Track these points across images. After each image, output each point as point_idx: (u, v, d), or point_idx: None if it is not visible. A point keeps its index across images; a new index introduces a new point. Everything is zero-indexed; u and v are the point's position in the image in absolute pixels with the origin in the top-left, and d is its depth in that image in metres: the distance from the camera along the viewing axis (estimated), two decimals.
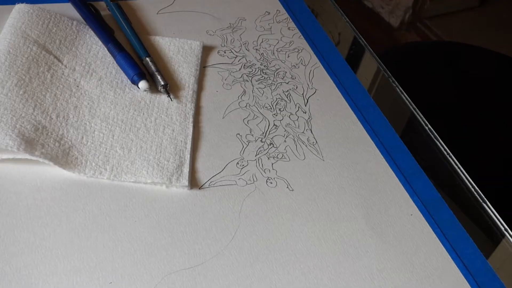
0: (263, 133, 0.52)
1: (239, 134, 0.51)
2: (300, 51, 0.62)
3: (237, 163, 0.49)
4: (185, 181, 0.46)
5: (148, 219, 0.43)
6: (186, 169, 0.47)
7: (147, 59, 0.54)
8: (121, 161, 0.46)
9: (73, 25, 0.56)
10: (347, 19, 0.68)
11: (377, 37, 0.69)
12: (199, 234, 0.43)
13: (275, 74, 0.58)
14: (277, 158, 0.50)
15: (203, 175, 0.47)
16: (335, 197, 0.48)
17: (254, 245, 0.43)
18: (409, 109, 0.58)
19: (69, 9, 0.59)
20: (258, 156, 0.50)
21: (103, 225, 0.42)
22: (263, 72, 0.58)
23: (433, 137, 0.56)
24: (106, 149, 0.47)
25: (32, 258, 0.40)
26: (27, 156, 0.44)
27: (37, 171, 0.45)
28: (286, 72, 0.59)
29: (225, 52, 0.60)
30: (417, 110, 0.58)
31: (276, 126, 0.53)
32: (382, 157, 0.52)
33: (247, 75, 0.58)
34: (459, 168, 0.53)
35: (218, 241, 0.43)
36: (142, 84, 0.52)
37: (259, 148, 0.50)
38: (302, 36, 0.64)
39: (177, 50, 0.57)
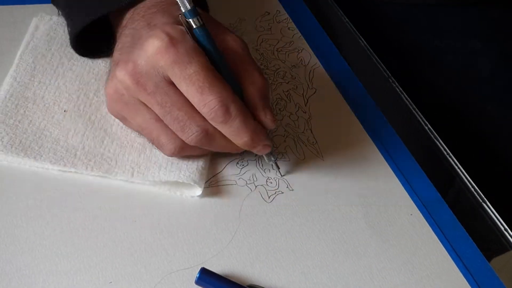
0: None
1: None
2: (300, 51, 0.62)
3: (237, 163, 0.49)
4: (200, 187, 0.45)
5: (148, 219, 0.43)
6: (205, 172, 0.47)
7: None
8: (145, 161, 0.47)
9: None
10: (347, 19, 0.68)
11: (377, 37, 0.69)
12: (199, 234, 0.43)
13: (275, 74, 0.58)
14: (277, 158, 0.50)
15: None
16: (335, 197, 0.48)
17: (254, 245, 0.43)
18: (409, 109, 0.58)
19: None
20: (258, 156, 0.50)
21: (103, 225, 0.43)
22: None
23: (433, 137, 0.56)
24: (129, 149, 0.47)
25: (32, 258, 0.40)
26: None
27: (37, 171, 0.45)
28: (286, 72, 0.59)
29: None
30: (417, 110, 0.58)
31: (276, 126, 0.53)
32: (382, 157, 0.52)
33: None
34: (459, 168, 0.53)
35: (218, 241, 0.43)
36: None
37: None
38: (302, 36, 0.63)
39: None
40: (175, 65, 0.40)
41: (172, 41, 0.41)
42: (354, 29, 0.67)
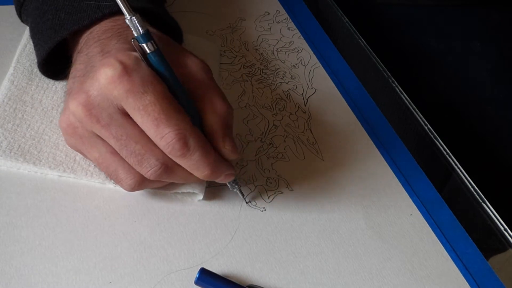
0: (262, 133, 0.52)
1: (238, 134, 0.51)
2: (299, 51, 0.62)
3: (237, 163, 0.49)
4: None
5: (148, 219, 0.43)
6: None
7: None
8: None
9: None
10: (347, 19, 0.68)
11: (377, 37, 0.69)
12: (199, 234, 0.43)
13: (275, 74, 0.58)
14: (277, 158, 0.50)
15: None
16: (335, 197, 0.48)
17: (253, 245, 0.43)
18: (409, 109, 0.58)
19: None
20: (257, 156, 0.50)
21: (103, 225, 0.43)
22: (262, 72, 0.58)
23: (433, 137, 0.56)
24: None
25: (32, 258, 0.40)
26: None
27: (37, 171, 0.45)
28: (285, 72, 0.59)
29: (224, 52, 0.60)
30: (416, 110, 0.58)
31: (276, 126, 0.53)
32: (382, 157, 0.52)
33: (246, 75, 0.58)
34: (459, 168, 0.53)
35: (218, 241, 0.43)
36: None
37: (259, 148, 0.50)
38: (301, 36, 0.64)
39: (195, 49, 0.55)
40: (130, 94, 0.38)
41: (126, 69, 0.38)
42: (354, 29, 0.67)
